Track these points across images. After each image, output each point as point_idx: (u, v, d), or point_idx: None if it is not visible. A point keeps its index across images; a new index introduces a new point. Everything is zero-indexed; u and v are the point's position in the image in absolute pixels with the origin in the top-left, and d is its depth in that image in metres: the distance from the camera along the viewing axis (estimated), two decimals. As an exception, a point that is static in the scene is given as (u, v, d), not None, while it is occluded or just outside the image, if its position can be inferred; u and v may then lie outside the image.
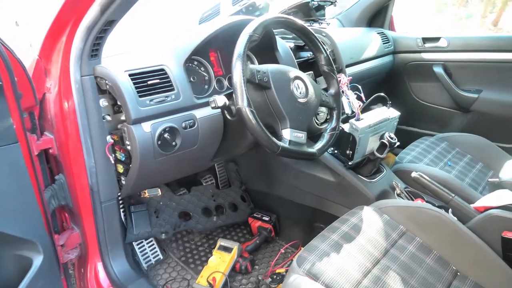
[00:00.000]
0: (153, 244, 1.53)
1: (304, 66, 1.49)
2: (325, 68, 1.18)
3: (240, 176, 1.82)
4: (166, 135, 1.02)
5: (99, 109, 1.05)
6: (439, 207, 1.31)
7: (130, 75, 0.98)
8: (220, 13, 1.37)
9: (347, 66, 1.69)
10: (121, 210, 1.45)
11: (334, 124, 1.16)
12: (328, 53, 1.17)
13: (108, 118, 1.07)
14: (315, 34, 1.14)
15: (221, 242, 1.47)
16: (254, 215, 1.66)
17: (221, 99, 0.99)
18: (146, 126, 0.99)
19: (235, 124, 1.14)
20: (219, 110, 1.12)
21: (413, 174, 1.29)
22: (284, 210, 1.68)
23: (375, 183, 1.40)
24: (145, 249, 1.50)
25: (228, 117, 1.15)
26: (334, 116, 1.18)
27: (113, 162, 1.09)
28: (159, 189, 1.53)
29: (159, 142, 1.01)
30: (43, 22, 0.97)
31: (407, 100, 2.23)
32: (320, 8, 1.83)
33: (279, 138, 1.01)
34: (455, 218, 1.21)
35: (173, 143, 1.04)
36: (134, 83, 0.98)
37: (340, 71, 1.59)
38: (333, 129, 1.15)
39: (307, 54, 1.56)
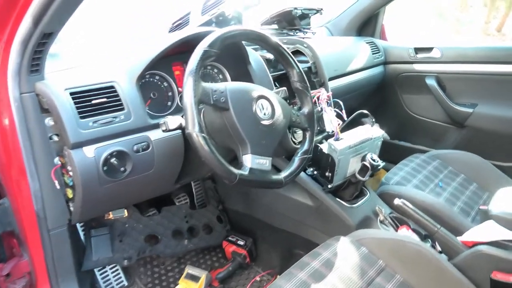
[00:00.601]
0: (117, 270, 1.42)
1: (284, 79, 1.38)
2: (298, 85, 1.07)
3: (218, 194, 1.71)
4: (113, 160, 0.91)
5: (43, 129, 0.94)
6: (426, 236, 1.19)
7: (72, 93, 0.87)
8: (190, 23, 1.26)
9: (332, 79, 1.58)
10: (82, 233, 1.35)
11: (306, 147, 1.05)
12: (300, 68, 1.06)
13: (55, 138, 0.96)
14: (284, 47, 1.03)
15: (189, 269, 1.36)
16: (229, 238, 1.55)
17: (174, 121, 0.88)
18: (89, 151, 0.88)
19: None
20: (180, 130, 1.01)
21: (396, 201, 1.18)
22: (262, 234, 1.57)
23: (357, 209, 1.29)
24: (108, 275, 1.39)
25: None
26: (306, 138, 1.07)
27: (58, 186, 0.98)
28: (125, 210, 1.41)
29: (104, 168, 0.90)
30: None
31: (399, 113, 2.12)
32: (304, 16, 1.73)
33: (240, 164, 0.90)
34: (441, 253, 1.10)
35: (122, 169, 0.93)
36: (76, 103, 0.87)
37: (322, 84, 1.47)
38: (305, 152, 1.04)
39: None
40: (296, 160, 1.02)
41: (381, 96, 2.14)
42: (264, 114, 0.94)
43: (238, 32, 0.91)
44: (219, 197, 1.71)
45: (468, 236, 1.08)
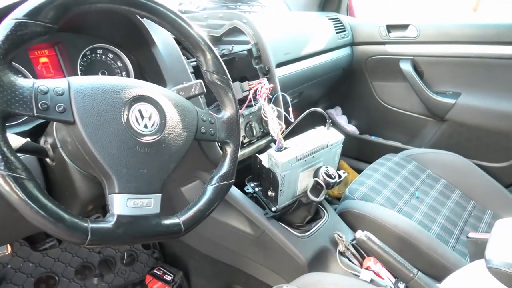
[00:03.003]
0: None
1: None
2: (213, 77, 0.72)
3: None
4: None
5: None
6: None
7: None
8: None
9: (281, 64, 1.24)
10: None
11: (225, 170, 0.71)
12: (215, 52, 0.71)
13: None
14: (181, 15, 0.67)
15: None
16: (155, 271, 1.21)
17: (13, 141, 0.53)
18: None
19: (58, 169, 0.67)
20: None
21: (358, 235, 0.86)
22: (196, 265, 1.24)
23: (309, 239, 0.98)
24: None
25: (48, 161, 0.68)
26: (227, 156, 0.73)
27: None
28: (7, 246, 1.06)
29: None
30: None
31: (369, 104, 1.81)
32: (250, -15, 1.37)
33: (106, 209, 0.56)
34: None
35: None
36: None
37: (267, 72, 1.13)
38: (224, 177, 0.70)
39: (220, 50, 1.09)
40: (208, 191, 0.68)
41: (348, 84, 1.82)
42: (145, 126, 0.59)
43: None
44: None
45: (450, 283, 0.78)
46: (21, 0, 0.57)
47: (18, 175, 0.46)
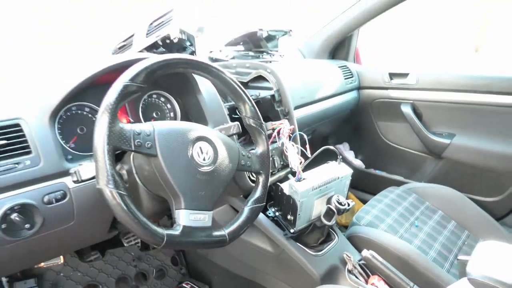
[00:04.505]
0: (49, 326, 1.22)
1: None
2: (250, 121, 0.92)
3: (175, 232, 1.54)
4: (14, 216, 0.74)
5: None
6: (398, 289, 1.05)
7: None
8: (133, 46, 1.11)
9: (298, 107, 1.45)
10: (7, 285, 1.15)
11: (258, 194, 0.89)
12: (252, 102, 0.92)
13: None
14: (231, 77, 0.88)
15: (131, 327, 1.17)
16: (183, 285, 1.37)
17: (90, 168, 0.72)
18: None
19: (131, 189, 0.86)
20: None
21: (364, 253, 1.03)
22: (220, 280, 1.40)
23: (322, 257, 1.14)
24: (37, 334, 1.19)
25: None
26: (259, 184, 0.91)
27: None
28: (61, 256, 1.23)
29: (3, 226, 0.73)
30: None
31: (375, 141, 2.00)
32: (271, 38, 1.60)
33: (173, 221, 0.75)
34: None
35: (27, 226, 0.76)
36: None
37: (287, 114, 1.34)
38: (257, 201, 0.89)
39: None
40: (245, 211, 0.86)
41: (355, 123, 2.03)
42: (204, 159, 0.78)
43: (166, 62, 0.76)
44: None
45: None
46: (130, 59, 0.78)
47: (122, 192, 0.65)
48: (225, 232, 0.80)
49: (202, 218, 0.76)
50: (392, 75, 1.82)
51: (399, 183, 1.66)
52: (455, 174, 1.72)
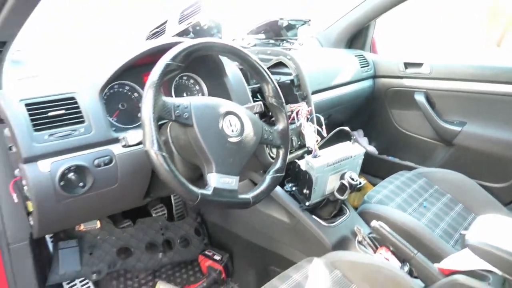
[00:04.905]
0: (87, 284, 1.37)
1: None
2: (272, 100, 1.03)
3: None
4: (71, 175, 0.87)
5: (2, 140, 0.90)
6: (404, 261, 1.15)
7: (27, 104, 0.83)
8: (166, 32, 1.22)
9: (316, 92, 1.54)
10: (51, 245, 1.30)
11: (278, 165, 1.00)
12: (275, 83, 1.02)
13: (15, 149, 0.92)
14: (256, 60, 0.99)
15: (160, 285, 1.31)
16: (206, 252, 1.50)
17: (135, 136, 0.84)
18: (44, 165, 0.84)
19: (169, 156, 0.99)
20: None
21: (373, 224, 1.13)
22: (239, 249, 1.52)
23: (334, 228, 1.24)
24: (77, 289, 1.34)
25: None
26: (280, 156, 1.02)
27: (16, 200, 0.94)
28: (98, 221, 1.37)
29: (61, 183, 0.86)
30: None
31: (388, 128, 2.08)
32: (291, 27, 1.69)
33: (205, 183, 0.86)
34: (417, 279, 1.05)
35: (81, 184, 0.89)
36: (31, 114, 0.83)
37: (305, 98, 1.44)
38: (277, 171, 1.00)
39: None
40: (267, 179, 0.98)
41: (370, 110, 2.11)
42: (232, 131, 0.90)
43: (203, 45, 0.87)
44: (199, 209, 1.67)
45: (446, 263, 1.03)
46: (170, 42, 0.90)
47: (164, 154, 0.77)
48: (249, 196, 0.91)
49: (230, 182, 0.87)
50: (406, 65, 1.89)
51: (410, 169, 1.73)
52: (464, 160, 1.79)
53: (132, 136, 0.84)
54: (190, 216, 1.63)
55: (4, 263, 1.03)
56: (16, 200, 0.94)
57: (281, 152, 1.03)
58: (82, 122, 0.89)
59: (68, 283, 1.33)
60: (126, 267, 1.37)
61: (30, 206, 0.97)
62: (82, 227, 1.34)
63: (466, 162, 1.78)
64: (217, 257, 1.47)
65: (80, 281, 1.36)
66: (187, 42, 0.86)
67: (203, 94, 1.25)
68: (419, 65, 1.85)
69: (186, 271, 1.55)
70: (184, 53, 0.84)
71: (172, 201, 1.65)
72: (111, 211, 1.17)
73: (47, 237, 1.32)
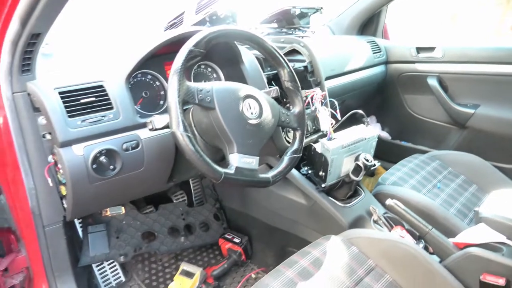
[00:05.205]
0: (114, 266, 1.44)
1: (278, 78, 1.38)
2: (288, 84, 1.07)
3: (216, 192, 1.73)
4: (102, 158, 0.93)
5: (35, 128, 0.97)
6: (420, 237, 1.18)
7: (60, 92, 0.89)
8: (184, 22, 1.27)
9: (329, 78, 1.57)
10: (80, 229, 1.38)
11: (295, 147, 1.05)
12: (290, 67, 1.06)
13: (48, 137, 0.98)
14: (273, 46, 1.03)
15: (184, 266, 1.38)
16: (225, 236, 1.56)
17: (161, 120, 0.90)
18: (78, 149, 0.90)
19: None
20: (168, 129, 1.02)
21: (388, 202, 1.17)
22: (257, 232, 1.57)
23: (350, 208, 1.28)
24: (106, 271, 1.42)
25: None
26: (297, 138, 1.06)
27: (51, 184, 1.01)
28: (122, 207, 1.44)
29: (94, 166, 0.92)
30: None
31: (401, 113, 2.10)
32: (304, 15, 1.72)
33: (227, 163, 0.91)
34: (432, 255, 1.09)
35: (111, 167, 0.95)
36: (65, 102, 0.89)
37: (319, 84, 1.47)
38: (295, 151, 1.04)
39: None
40: (285, 160, 1.02)
41: (383, 96, 2.13)
42: (251, 113, 0.94)
43: (223, 32, 0.92)
44: (217, 195, 1.73)
45: (460, 238, 1.07)
46: (190, 31, 0.95)
47: (189, 135, 0.82)
48: (269, 175, 0.96)
49: (251, 162, 0.92)
50: (419, 49, 1.90)
51: (424, 153, 1.75)
52: (478, 142, 1.80)
53: (158, 120, 0.89)
54: (209, 202, 1.69)
55: (40, 244, 1.10)
56: (51, 184, 1.00)
57: (298, 134, 1.07)
58: (111, 108, 0.95)
59: (97, 265, 1.41)
60: (150, 250, 1.44)
61: (64, 190, 1.04)
62: (108, 212, 1.41)
63: (480, 144, 1.80)
64: (236, 240, 1.53)
65: (108, 264, 1.44)
66: (207, 29, 0.91)
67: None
68: (431, 49, 1.86)
69: (207, 254, 1.62)
70: (205, 39, 0.88)
71: (191, 188, 1.72)
72: (137, 195, 1.24)
73: (76, 222, 1.39)
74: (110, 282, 1.41)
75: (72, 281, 1.19)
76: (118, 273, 1.44)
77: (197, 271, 1.33)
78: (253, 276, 1.47)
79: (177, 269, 1.50)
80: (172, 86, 0.82)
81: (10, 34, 0.83)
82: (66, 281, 1.18)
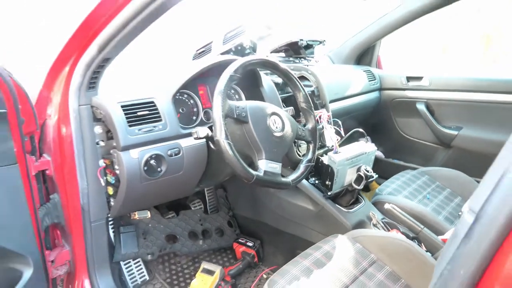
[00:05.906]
0: (140, 265, 1.59)
1: (290, 100, 1.60)
2: (303, 105, 1.28)
3: (228, 201, 1.90)
4: (152, 161, 1.12)
5: (93, 136, 1.15)
6: (413, 238, 1.38)
7: (122, 106, 1.09)
8: (212, 51, 1.49)
9: (332, 101, 1.80)
10: (111, 230, 1.53)
11: (309, 157, 1.25)
12: (305, 91, 1.28)
13: (102, 143, 1.17)
14: (293, 73, 1.25)
15: (205, 265, 1.53)
16: (239, 240, 1.73)
17: (203, 131, 1.10)
18: (134, 153, 1.09)
19: (218, 153, 1.23)
20: (203, 140, 1.22)
21: (386, 206, 1.37)
22: (268, 237, 1.75)
23: (353, 213, 1.47)
24: (132, 269, 1.56)
25: (212, 147, 1.24)
26: (310, 149, 1.27)
27: (103, 184, 1.18)
28: (148, 212, 1.61)
29: (145, 168, 1.11)
30: (49, 56, 1.09)
31: (393, 134, 2.34)
32: (309, 46, 1.97)
33: (255, 168, 1.10)
34: (425, 250, 1.27)
35: (159, 169, 1.14)
36: (125, 114, 1.08)
37: (324, 106, 1.70)
38: (309, 161, 1.24)
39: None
40: (301, 167, 1.22)
41: (377, 118, 2.37)
42: (276, 127, 1.15)
43: (256, 60, 1.14)
44: (229, 204, 1.90)
45: (448, 235, 1.26)
46: (226, 59, 1.16)
47: (230, 142, 1.02)
48: (289, 179, 1.16)
49: (275, 167, 1.12)
50: (408, 78, 2.17)
51: (414, 169, 1.97)
52: (462, 160, 2.04)
53: (201, 130, 1.09)
54: (223, 210, 1.87)
55: (85, 238, 1.26)
56: (103, 184, 1.18)
57: (311, 146, 1.28)
58: (160, 120, 1.14)
59: (124, 264, 1.56)
60: (173, 251, 1.60)
61: (111, 190, 1.22)
62: (136, 216, 1.57)
63: (463, 162, 2.03)
64: (250, 244, 1.69)
65: (135, 263, 1.59)
66: (242, 58, 1.13)
67: (241, 102, 1.51)
68: (419, 78, 2.12)
69: (221, 257, 1.78)
70: (242, 66, 1.10)
71: (206, 197, 1.89)
72: (172, 197, 1.41)
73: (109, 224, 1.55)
74: (136, 280, 1.55)
75: (109, 274, 1.34)
76: (142, 272, 1.58)
77: (217, 269, 1.49)
78: (264, 276, 1.63)
79: (195, 270, 1.66)
80: (217, 104, 1.02)
81: (85, 58, 1.03)
82: (104, 274, 1.33)
